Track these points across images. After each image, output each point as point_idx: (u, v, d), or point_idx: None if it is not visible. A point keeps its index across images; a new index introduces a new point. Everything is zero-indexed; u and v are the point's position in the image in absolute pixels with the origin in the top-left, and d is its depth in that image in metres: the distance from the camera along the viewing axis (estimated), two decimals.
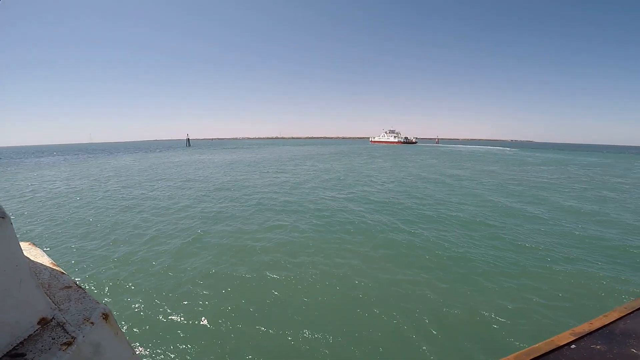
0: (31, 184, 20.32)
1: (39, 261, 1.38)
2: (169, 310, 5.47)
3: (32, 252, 1.47)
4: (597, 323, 1.78)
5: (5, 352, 0.72)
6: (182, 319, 5.26)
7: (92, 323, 0.87)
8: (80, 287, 1.11)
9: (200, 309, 5.46)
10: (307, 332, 4.81)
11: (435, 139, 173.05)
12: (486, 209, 12.62)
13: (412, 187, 18.03)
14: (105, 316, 0.93)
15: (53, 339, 0.78)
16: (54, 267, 1.32)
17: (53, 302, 0.98)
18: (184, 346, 4.64)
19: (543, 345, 1.59)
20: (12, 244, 0.81)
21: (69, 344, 0.76)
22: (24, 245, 1.53)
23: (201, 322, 5.11)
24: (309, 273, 6.68)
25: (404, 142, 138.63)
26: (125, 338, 0.99)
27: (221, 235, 9.12)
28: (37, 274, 1.21)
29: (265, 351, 4.49)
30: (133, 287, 6.13)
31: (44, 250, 1.50)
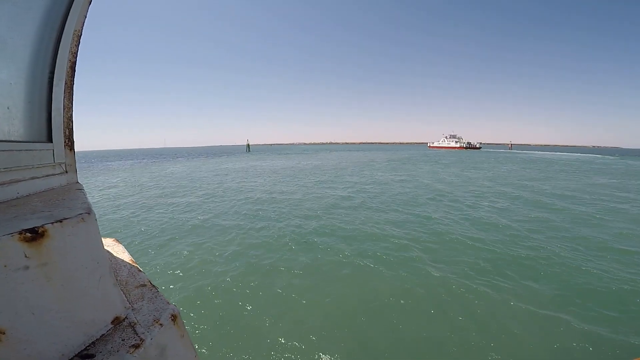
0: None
1: (120, 257, 1.39)
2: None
3: (115, 249, 1.50)
4: None
5: (77, 352, 0.71)
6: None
7: (161, 325, 0.87)
8: (153, 285, 1.12)
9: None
10: None
11: (509, 144, 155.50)
12: None
13: None
14: (174, 317, 0.93)
15: (123, 340, 0.78)
16: (133, 264, 1.33)
17: (128, 300, 0.98)
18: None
19: None
20: (94, 240, 0.81)
21: (136, 346, 0.76)
22: (107, 242, 1.59)
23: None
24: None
25: (466, 148, 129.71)
26: (190, 340, 0.98)
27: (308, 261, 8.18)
28: (117, 271, 1.23)
29: None
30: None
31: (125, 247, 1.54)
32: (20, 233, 0.64)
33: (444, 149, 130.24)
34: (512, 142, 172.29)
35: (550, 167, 37.42)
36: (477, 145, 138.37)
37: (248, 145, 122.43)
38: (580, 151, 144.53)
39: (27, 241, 0.65)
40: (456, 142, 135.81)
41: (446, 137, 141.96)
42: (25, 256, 0.64)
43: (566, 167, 36.63)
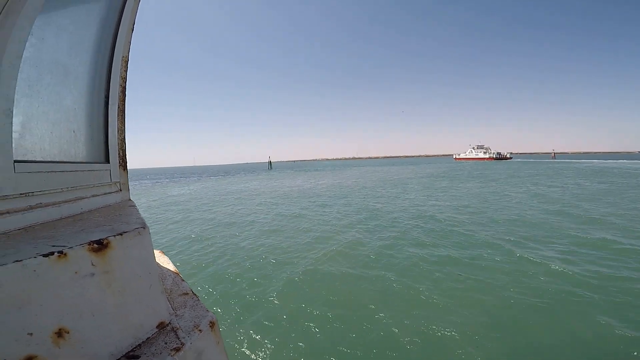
0: None
1: (166, 267, 1.53)
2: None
3: (161, 260, 1.63)
4: None
5: (124, 353, 0.77)
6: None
7: (200, 330, 0.92)
8: (194, 294, 1.19)
9: None
10: None
11: (551, 153, 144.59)
12: None
13: None
14: (212, 324, 0.98)
15: (166, 343, 0.83)
16: (177, 274, 1.44)
17: (172, 307, 1.05)
18: None
19: None
20: (148, 252, 0.89)
21: (177, 349, 0.80)
22: (155, 253, 1.73)
23: None
24: None
25: (496, 158, 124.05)
26: (224, 347, 1.02)
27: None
28: (163, 280, 1.31)
29: None
30: None
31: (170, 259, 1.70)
32: (89, 244, 0.73)
33: (471, 160, 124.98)
34: (555, 151, 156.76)
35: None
36: (508, 156, 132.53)
37: (270, 163, 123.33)
38: (634, 158, 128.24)
39: (94, 251, 0.73)
40: (484, 152, 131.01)
41: (473, 148, 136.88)
42: (92, 264, 0.72)
43: None
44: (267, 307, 6.02)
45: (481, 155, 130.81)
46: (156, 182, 55.92)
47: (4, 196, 0.82)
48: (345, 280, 7.10)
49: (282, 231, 12.19)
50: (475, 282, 6.74)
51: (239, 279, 7.44)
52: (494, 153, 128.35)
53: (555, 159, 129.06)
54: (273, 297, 6.38)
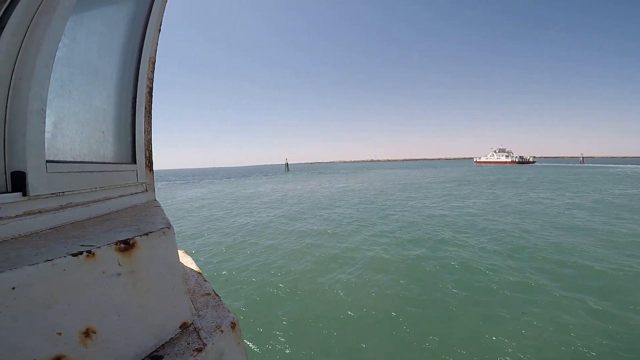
0: None
1: (189, 267, 1.54)
2: None
3: (184, 260, 1.63)
4: None
5: (148, 353, 0.77)
6: None
7: (221, 331, 0.92)
8: (217, 294, 1.20)
9: None
10: None
11: (579, 157, 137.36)
12: None
13: None
14: (233, 325, 0.98)
15: (188, 344, 0.83)
16: (199, 275, 1.44)
17: (194, 307, 1.05)
18: None
19: None
20: (172, 252, 0.90)
21: (199, 350, 0.81)
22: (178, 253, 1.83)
23: None
24: None
25: (518, 162, 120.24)
26: (244, 348, 1.02)
27: None
28: (186, 280, 1.31)
29: None
30: None
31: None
32: (116, 244, 0.74)
33: (493, 164, 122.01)
34: (583, 155, 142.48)
35: None
36: (531, 160, 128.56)
37: (287, 165, 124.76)
38: None
39: (121, 251, 0.74)
40: (506, 156, 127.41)
41: (495, 152, 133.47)
42: (119, 264, 0.73)
43: None
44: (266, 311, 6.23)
45: (503, 159, 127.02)
46: (180, 183, 55.59)
47: (36, 196, 0.83)
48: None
49: (284, 243, 11.35)
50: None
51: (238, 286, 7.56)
52: (516, 157, 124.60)
53: (584, 163, 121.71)
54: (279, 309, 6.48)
